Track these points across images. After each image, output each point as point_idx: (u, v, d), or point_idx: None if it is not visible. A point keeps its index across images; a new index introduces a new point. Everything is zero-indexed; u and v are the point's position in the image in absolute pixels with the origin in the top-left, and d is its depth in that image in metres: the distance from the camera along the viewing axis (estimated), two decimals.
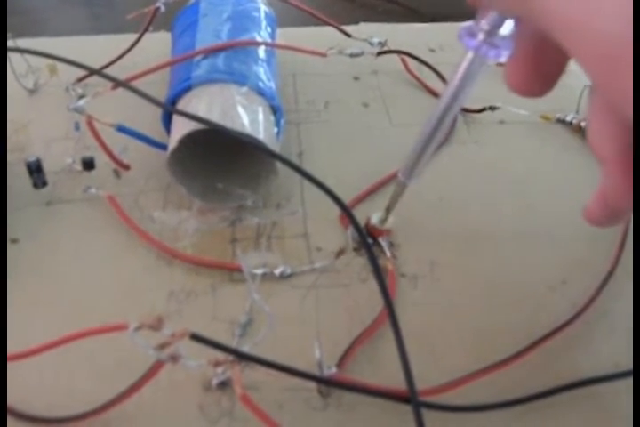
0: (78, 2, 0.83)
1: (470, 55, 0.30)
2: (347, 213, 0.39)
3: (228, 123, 0.43)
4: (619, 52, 0.18)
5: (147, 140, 0.48)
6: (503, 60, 0.27)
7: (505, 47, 0.27)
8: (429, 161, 0.37)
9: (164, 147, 0.47)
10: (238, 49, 0.51)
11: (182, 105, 0.47)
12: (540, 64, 0.26)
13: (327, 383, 0.36)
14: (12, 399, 0.34)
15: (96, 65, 0.55)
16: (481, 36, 0.27)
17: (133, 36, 0.60)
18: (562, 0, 0.19)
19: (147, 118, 0.50)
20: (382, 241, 0.44)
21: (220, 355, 0.32)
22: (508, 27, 0.27)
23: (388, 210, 0.43)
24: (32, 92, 0.59)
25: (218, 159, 0.48)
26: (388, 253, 0.44)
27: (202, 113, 0.43)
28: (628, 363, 0.38)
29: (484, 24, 0.27)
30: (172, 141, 0.44)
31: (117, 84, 0.47)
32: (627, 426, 0.36)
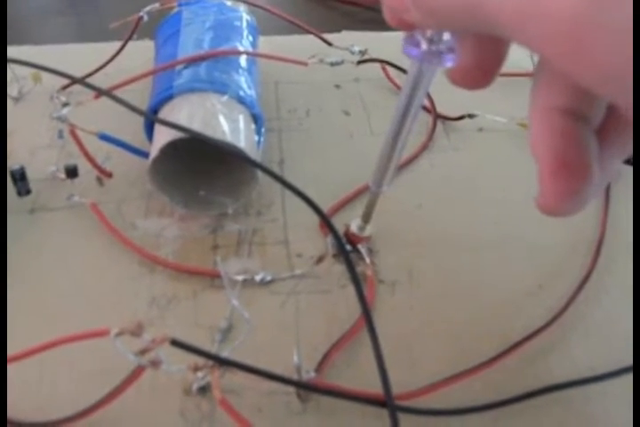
0: (63, 10, 0.83)
1: (417, 65, 0.31)
2: (325, 221, 0.40)
3: (209, 131, 0.43)
4: (579, 33, 0.18)
5: (129, 149, 0.49)
6: (449, 65, 0.27)
7: (450, 52, 0.27)
8: (396, 169, 0.38)
9: (146, 155, 0.47)
10: (220, 58, 0.52)
11: (164, 114, 0.47)
12: (480, 57, 0.26)
13: (305, 388, 0.37)
14: None
15: (80, 73, 0.56)
16: (424, 46, 0.27)
17: (117, 45, 0.60)
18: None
19: (130, 127, 0.51)
20: (361, 248, 0.45)
21: (200, 360, 0.33)
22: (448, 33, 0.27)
23: (365, 218, 0.43)
24: (16, 100, 0.59)
25: (199, 167, 0.49)
26: (368, 260, 0.44)
27: (183, 122, 0.44)
28: (602, 367, 0.39)
29: (427, 32, 0.27)
30: (154, 150, 0.44)
31: (100, 92, 0.48)
32: None
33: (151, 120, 0.48)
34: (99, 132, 0.47)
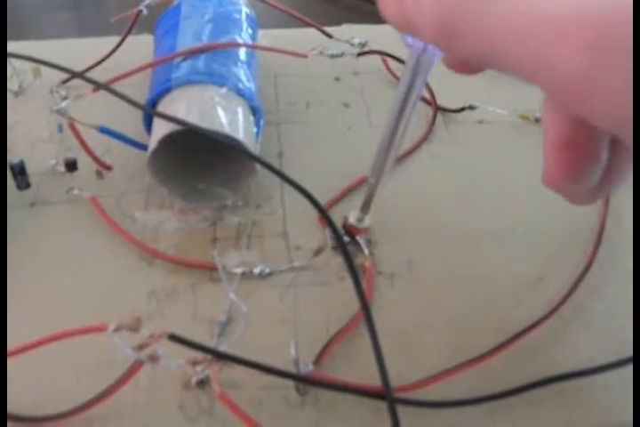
0: (63, 5, 0.83)
1: (415, 54, 0.30)
2: (322, 213, 0.39)
3: (206, 124, 0.43)
4: (583, 88, 0.20)
5: (128, 142, 0.49)
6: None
7: None
8: (394, 161, 0.39)
9: (145, 148, 0.47)
10: (219, 51, 0.51)
11: (162, 106, 0.47)
12: None
13: (304, 381, 0.37)
14: None
15: (80, 67, 0.56)
16: None
17: (117, 39, 0.60)
18: (522, 45, 0.21)
19: (129, 120, 0.51)
20: (360, 239, 0.45)
21: (199, 354, 0.33)
22: None
23: (364, 210, 0.43)
24: (16, 94, 0.59)
25: (198, 160, 0.49)
26: (366, 252, 0.44)
27: (181, 114, 0.44)
28: (603, 358, 0.39)
29: None
30: (152, 143, 0.44)
31: (99, 86, 0.48)
32: (601, 421, 0.37)
33: (149, 113, 0.48)
34: (98, 125, 0.47)
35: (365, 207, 0.43)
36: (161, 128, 0.44)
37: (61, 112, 0.48)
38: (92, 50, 0.61)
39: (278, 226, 0.47)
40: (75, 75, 0.50)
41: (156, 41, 0.58)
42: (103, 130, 0.47)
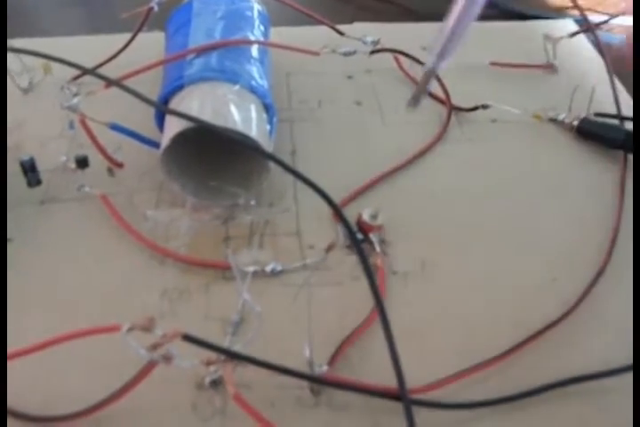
0: (73, 2, 0.83)
1: None
2: (335, 210, 0.39)
3: (220, 121, 0.43)
4: None
5: (140, 139, 0.49)
6: None
7: None
8: (460, 41, 0.36)
9: (157, 145, 0.47)
10: (231, 48, 0.51)
11: (175, 104, 0.47)
12: None
13: (317, 382, 0.36)
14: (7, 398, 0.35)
15: (91, 64, 0.56)
16: None
17: (128, 36, 0.60)
18: None
19: (140, 117, 0.50)
20: (373, 238, 0.44)
21: (212, 354, 0.33)
22: None
23: (414, 102, 0.41)
24: (27, 91, 0.59)
25: (211, 157, 0.49)
26: (378, 249, 0.44)
27: (194, 111, 0.44)
28: (617, 360, 0.39)
29: None
30: (165, 140, 0.44)
31: (110, 82, 0.48)
32: (614, 423, 0.37)
33: (161, 110, 0.48)
34: (110, 122, 0.47)
35: (416, 99, 0.41)
36: (174, 125, 0.44)
37: (72, 109, 0.48)
38: (103, 47, 0.61)
39: (291, 224, 0.47)
40: (86, 71, 0.50)
41: (168, 38, 0.58)
42: (115, 127, 0.47)
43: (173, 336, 0.32)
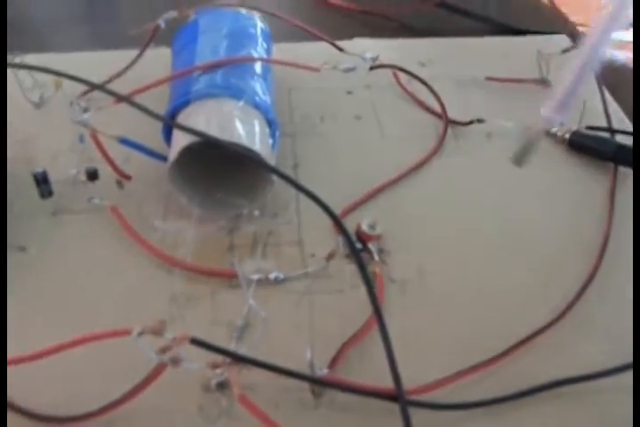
0: (81, 19, 0.85)
1: None
2: (336, 222, 0.41)
3: (225, 136, 0.45)
4: None
5: (148, 153, 0.50)
6: None
7: None
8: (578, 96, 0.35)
9: (164, 158, 0.49)
10: (236, 65, 0.53)
11: (182, 119, 0.49)
12: None
13: (319, 383, 0.38)
14: (20, 398, 0.37)
15: (99, 79, 0.58)
16: None
17: (135, 52, 0.62)
18: None
19: (147, 130, 0.52)
20: (372, 247, 0.46)
21: (219, 357, 0.34)
22: None
23: (519, 162, 0.38)
24: (38, 105, 0.61)
25: (216, 170, 0.50)
26: (377, 258, 0.46)
27: (201, 126, 0.45)
28: (611, 363, 0.40)
29: None
30: (173, 154, 0.46)
31: (119, 99, 0.49)
32: (608, 423, 0.39)
33: (170, 125, 0.49)
34: (119, 136, 0.48)
35: (522, 157, 0.38)
36: (181, 140, 0.46)
37: (83, 123, 0.49)
38: (111, 62, 0.63)
39: (294, 234, 0.49)
40: (96, 87, 0.52)
41: (174, 54, 0.60)
42: (124, 141, 0.49)
43: (182, 340, 0.34)
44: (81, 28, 0.83)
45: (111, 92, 0.49)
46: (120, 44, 0.66)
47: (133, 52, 0.62)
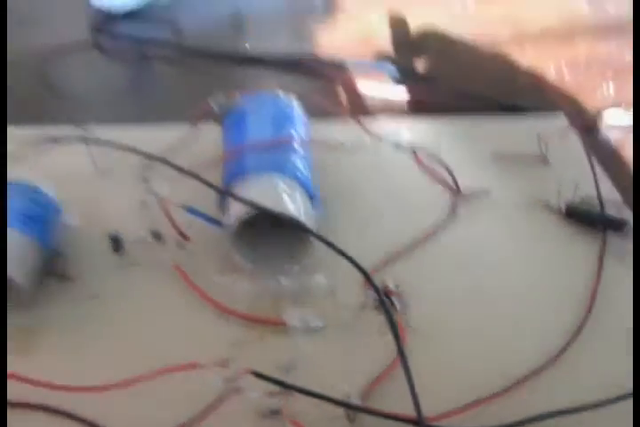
0: (124, 92, 0.97)
1: None
2: (368, 280, 0.51)
3: (276, 207, 0.55)
4: None
5: (209, 220, 0.59)
6: None
7: None
8: None
9: (219, 224, 0.58)
10: (280, 144, 0.64)
11: (237, 191, 0.58)
12: None
13: (353, 409, 0.46)
14: (101, 420, 0.46)
15: (158, 150, 0.66)
16: None
17: (186, 127, 0.73)
18: None
19: (196, 195, 0.60)
20: (396, 301, 0.55)
21: (273, 388, 0.43)
22: None
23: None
24: (104, 173, 0.70)
25: (265, 232, 0.59)
26: (400, 310, 0.54)
27: (255, 199, 0.55)
28: (592, 399, 0.47)
29: None
30: (232, 221, 0.56)
31: (181, 172, 0.59)
32: None
33: (231, 197, 0.58)
34: (186, 205, 0.58)
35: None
36: (240, 210, 0.55)
37: (151, 192, 0.58)
38: (165, 135, 0.73)
39: (331, 287, 0.57)
40: (160, 161, 0.61)
41: (225, 133, 0.69)
42: (190, 210, 0.58)
43: (245, 372, 0.43)
44: (126, 101, 0.96)
45: (175, 166, 0.60)
46: (160, 117, 0.78)
47: (184, 128, 0.73)
